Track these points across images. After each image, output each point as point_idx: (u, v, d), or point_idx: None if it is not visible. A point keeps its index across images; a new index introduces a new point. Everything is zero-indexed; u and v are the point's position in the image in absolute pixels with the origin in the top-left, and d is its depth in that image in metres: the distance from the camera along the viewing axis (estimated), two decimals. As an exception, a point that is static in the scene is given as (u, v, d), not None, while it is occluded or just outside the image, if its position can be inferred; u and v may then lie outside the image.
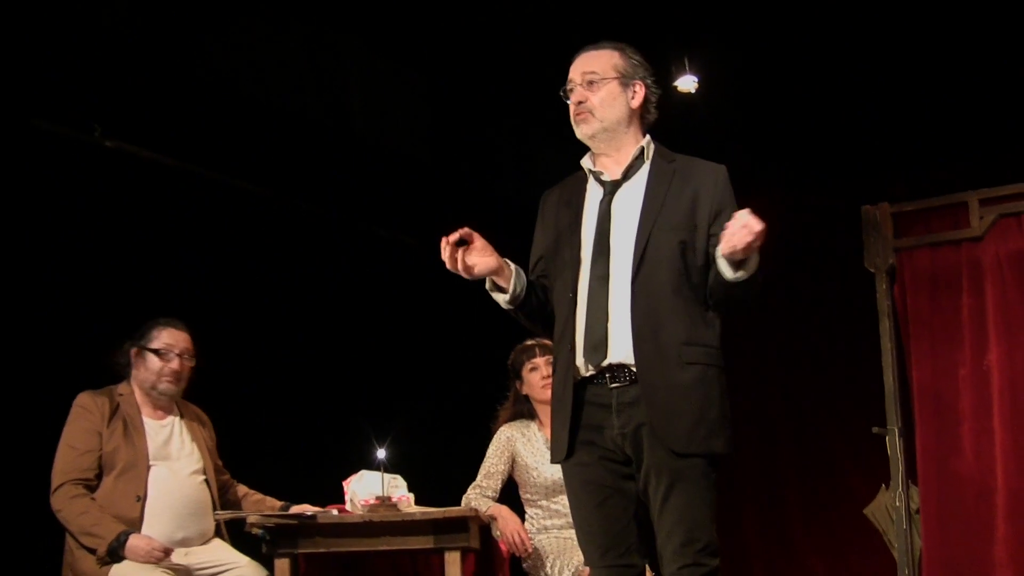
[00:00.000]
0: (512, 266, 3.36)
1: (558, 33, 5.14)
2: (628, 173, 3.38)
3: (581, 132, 3.39)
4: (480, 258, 3.27)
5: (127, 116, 4.96)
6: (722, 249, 3.14)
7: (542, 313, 3.43)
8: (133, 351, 4.43)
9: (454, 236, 3.24)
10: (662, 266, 3.24)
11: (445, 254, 3.25)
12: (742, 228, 3.07)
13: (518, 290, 3.36)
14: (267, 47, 5.46)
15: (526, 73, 6.00)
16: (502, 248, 3.35)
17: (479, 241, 3.27)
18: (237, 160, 5.46)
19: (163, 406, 4.45)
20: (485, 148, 6.78)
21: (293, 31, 5.59)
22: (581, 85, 3.37)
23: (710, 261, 3.26)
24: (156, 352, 4.40)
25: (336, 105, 5.80)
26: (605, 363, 3.24)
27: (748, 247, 3.10)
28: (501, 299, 3.38)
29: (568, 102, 3.42)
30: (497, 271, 3.30)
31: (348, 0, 5.55)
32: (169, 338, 4.43)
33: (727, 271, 3.17)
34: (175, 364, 4.41)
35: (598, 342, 3.24)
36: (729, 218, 3.24)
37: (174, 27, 5.03)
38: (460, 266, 3.25)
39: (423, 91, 6.37)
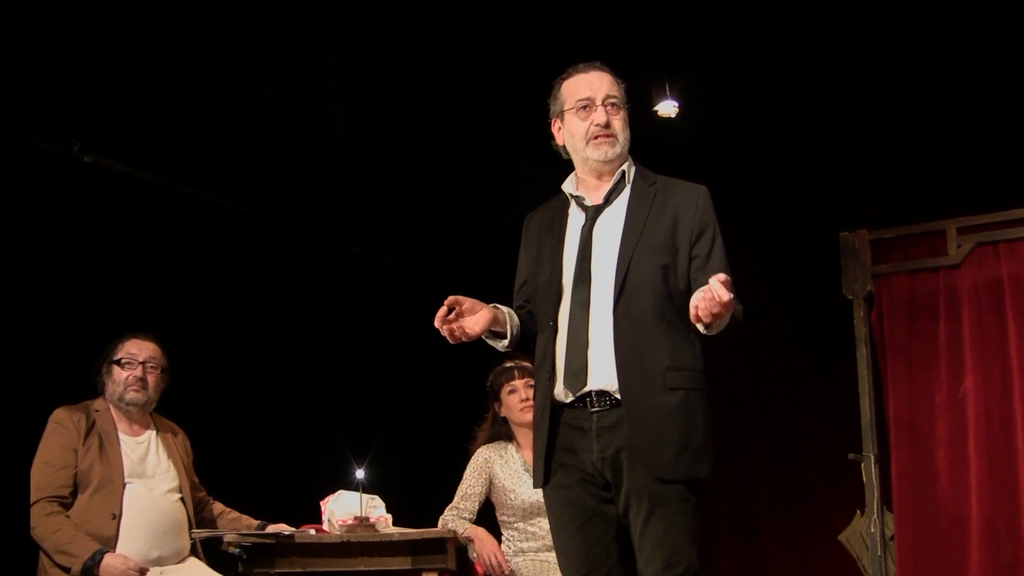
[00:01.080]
0: (504, 310, 3.37)
1: (539, 52, 5.16)
2: (610, 197, 3.38)
3: (603, 154, 3.35)
4: (475, 319, 3.25)
5: (105, 130, 4.94)
6: (691, 315, 3.12)
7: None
8: (104, 367, 4.43)
9: (443, 310, 3.21)
10: (644, 291, 3.23)
11: (444, 331, 3.22)
12: (709, 300, 3.03)
13: (514, 332, 3.38)
14: (246, 63, 5.45)
15: (507, 91, 6.02)
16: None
17: (467, 302, 3.24)
18: (216, 175, 5.45)
19: (139, 421, 4.43)
20: (464, 165, 6.77)
21: (273, 48, 5.58)
22: (604, 106, 3.35)
23: (691, 284, 3.26)
24: (118, 363, 4.39)
25: (316, 121, 5.80)
26: (584, 390, 3.24)
27: (715, 317, 3.06)
28: (500, 345, 3.39)
29: (574, 116, 3.37)
30: (492, 322, 3.30)
31: (328, 17, 5.55)
32: (132, 347, 4.43)
33: (699, 327, 3.15)
34: (138, 372, 4.39)
35: (578, 369, 3.24)
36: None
37: (153, 43, 5.02)
38: (460, 334, 3.23)
39: (403, 108, 6.37)
